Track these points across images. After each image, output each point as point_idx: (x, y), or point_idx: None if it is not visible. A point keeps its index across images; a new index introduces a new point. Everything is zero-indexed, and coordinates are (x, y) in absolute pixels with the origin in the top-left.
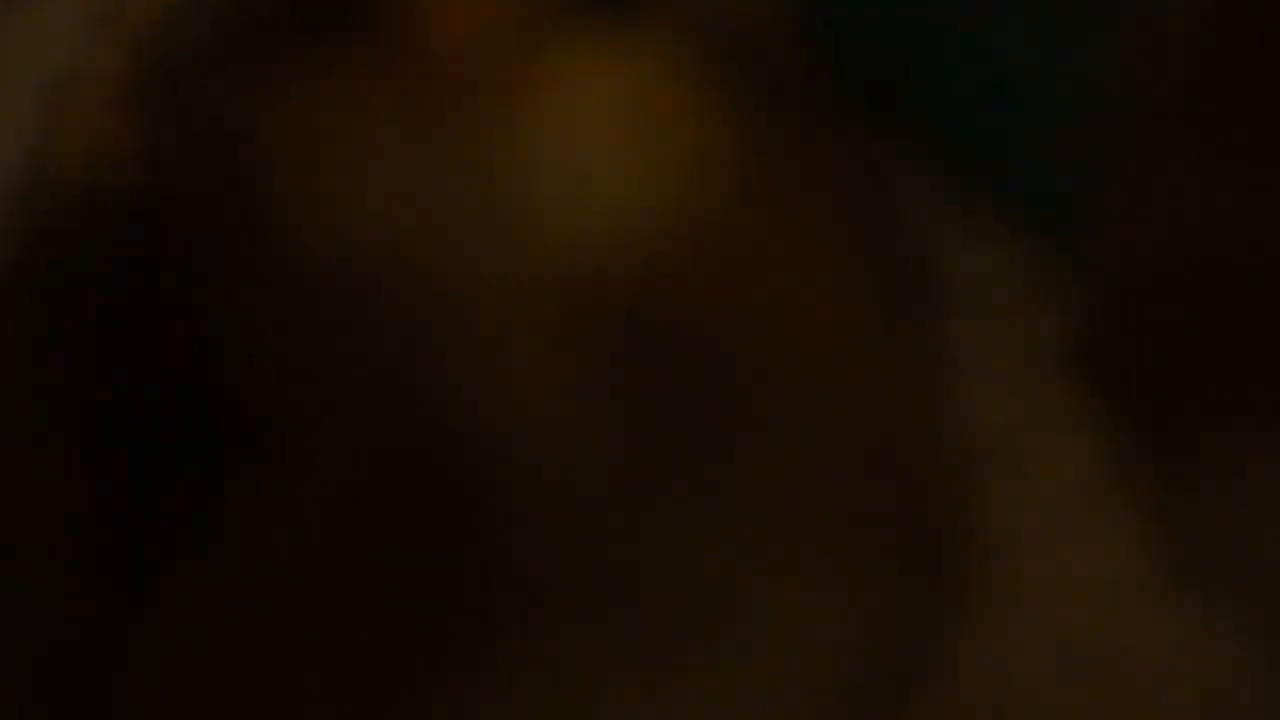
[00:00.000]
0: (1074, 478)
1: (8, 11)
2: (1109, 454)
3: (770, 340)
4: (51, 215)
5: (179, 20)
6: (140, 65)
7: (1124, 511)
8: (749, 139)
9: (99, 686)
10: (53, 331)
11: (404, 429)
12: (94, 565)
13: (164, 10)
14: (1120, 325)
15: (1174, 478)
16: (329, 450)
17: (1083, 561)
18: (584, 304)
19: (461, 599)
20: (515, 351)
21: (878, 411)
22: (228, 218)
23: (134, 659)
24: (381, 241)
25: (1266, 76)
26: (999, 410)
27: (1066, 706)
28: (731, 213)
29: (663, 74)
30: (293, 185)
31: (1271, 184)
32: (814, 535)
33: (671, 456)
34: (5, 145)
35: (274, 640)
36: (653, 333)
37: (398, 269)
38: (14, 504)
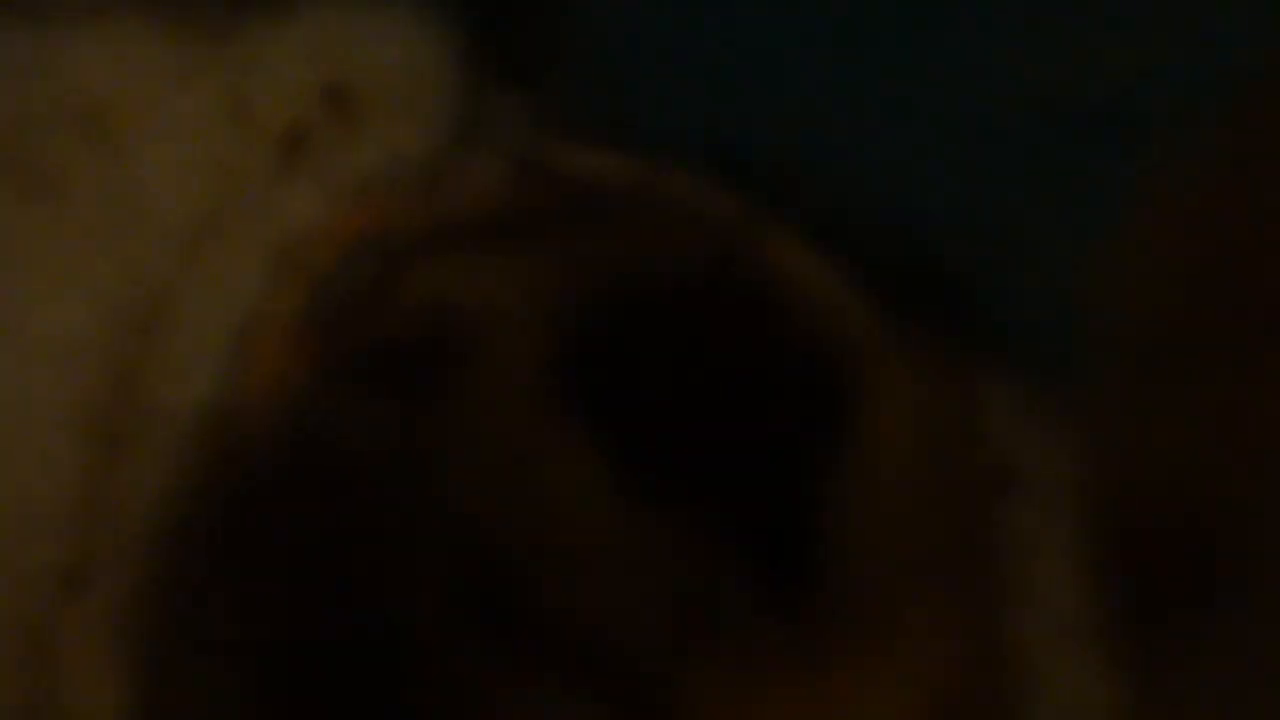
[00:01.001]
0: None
1: (193, 258)
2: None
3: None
4: (237, 448)
5: (354, 265)
6: (318, 307)
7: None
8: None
9: None
10: (238, 558)
11: None
12: None
13: (340, 256)
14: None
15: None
16: None
17: None
18: None
19: None
20: None
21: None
22: (394, 459)
23: None
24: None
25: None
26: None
27: None
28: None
29: None
30: (464, 477)
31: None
32: None
33: None
34: (195, 384)
35: None
36: None
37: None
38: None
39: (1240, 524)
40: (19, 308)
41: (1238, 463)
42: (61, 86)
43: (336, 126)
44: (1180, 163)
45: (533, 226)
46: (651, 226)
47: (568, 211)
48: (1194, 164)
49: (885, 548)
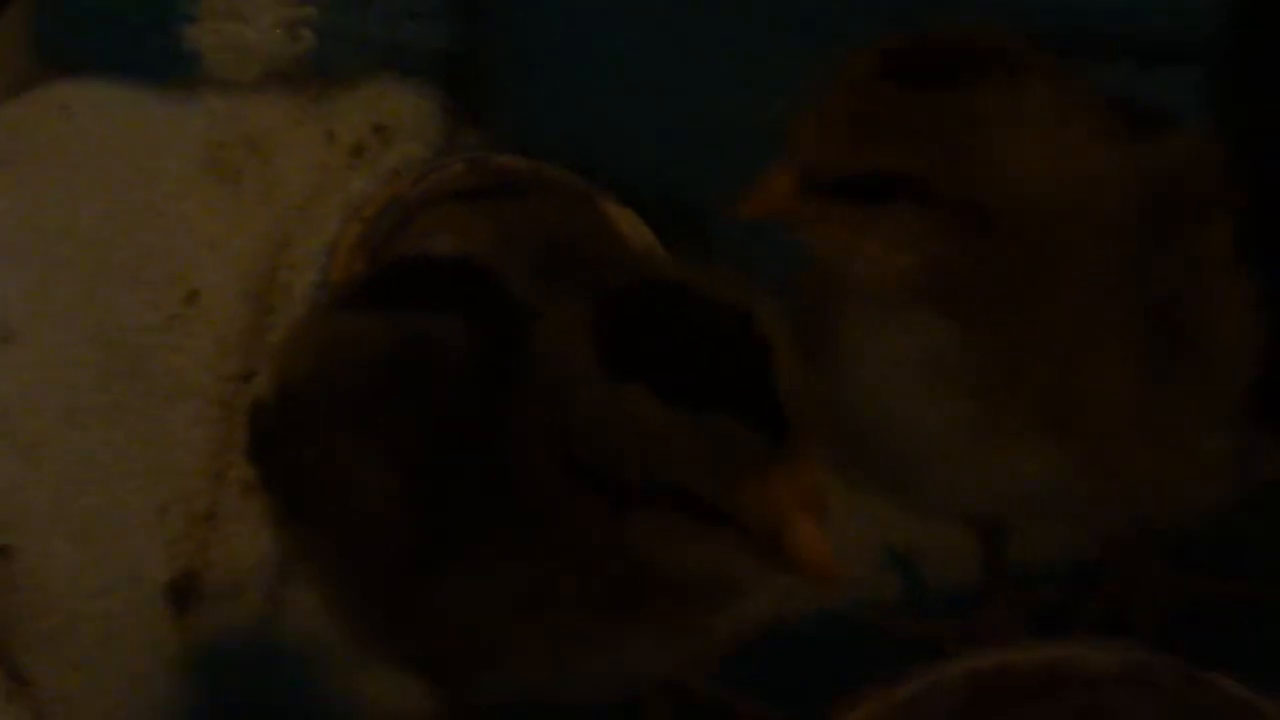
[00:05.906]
0: None
1: (306, 213)
2: None
3: None
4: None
5: (387, 214)
6: (368, 235)
7: None
8: None
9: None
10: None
11: None
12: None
13: (379, 210)
14: None
15: None
16: None
17: None
18: None
19: None
20: None
21: None
22: None
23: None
24: None
25: None
26: None
27: None
28: None
29: None
30: None
31: None
32: None
33: None
34: (308, 274)
35: None
36: None
37: None
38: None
39: None
40: (220, 244)
41: None
42: (240, 125)
43: (378, 145)
44: None
45: (480, 194)
46: (541, 194)
47: (498, 186)
48: None
49: None
